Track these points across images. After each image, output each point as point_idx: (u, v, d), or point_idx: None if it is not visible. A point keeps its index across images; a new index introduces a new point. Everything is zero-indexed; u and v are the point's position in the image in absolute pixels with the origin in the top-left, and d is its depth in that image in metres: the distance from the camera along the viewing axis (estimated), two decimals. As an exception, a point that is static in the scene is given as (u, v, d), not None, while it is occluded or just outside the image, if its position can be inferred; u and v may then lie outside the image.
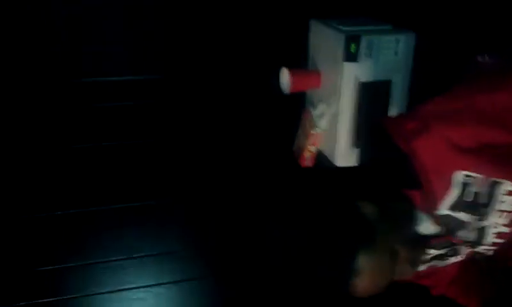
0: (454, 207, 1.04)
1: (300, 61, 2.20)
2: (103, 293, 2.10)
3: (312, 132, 2.18)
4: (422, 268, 1.18)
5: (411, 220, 1.07)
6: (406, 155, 1.04)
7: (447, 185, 1.02)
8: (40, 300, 2.03)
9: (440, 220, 1.08)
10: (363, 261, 0.96)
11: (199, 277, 2.23)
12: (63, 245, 2.10)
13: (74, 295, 2.06)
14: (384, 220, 1.00)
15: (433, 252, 1.15)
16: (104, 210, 2.16)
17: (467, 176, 1.00)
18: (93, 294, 2.08)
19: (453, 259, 1.19)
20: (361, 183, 1.12)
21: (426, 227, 1.12)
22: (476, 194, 1.02)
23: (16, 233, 2.07)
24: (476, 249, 1.13)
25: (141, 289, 2.13)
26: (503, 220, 1.05)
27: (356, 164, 1.50)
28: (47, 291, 2.04)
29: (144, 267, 2.15)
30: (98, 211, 2.15)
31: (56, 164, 2.08)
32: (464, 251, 1.18)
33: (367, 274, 0.97)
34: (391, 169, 1.12)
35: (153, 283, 2.18)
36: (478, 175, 1.00)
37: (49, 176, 2.08)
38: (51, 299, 2.04)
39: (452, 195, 1.03)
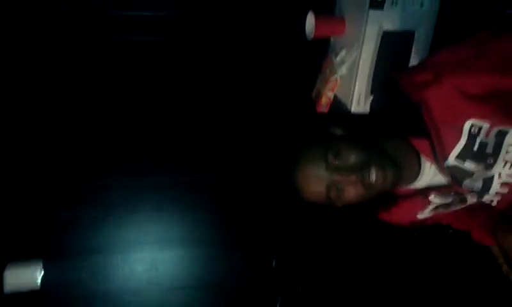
0: (461, 156, 1.08)
1: (327, 7, 2.20)
2: (121, 215, 2.18)
3: (331, 78, 2.20)
4: (427, 214, 1.23)
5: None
6: (417, 105, 1.07)
7: (456, 135, 1.06)
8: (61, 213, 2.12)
9: (446, 169, 1.11)
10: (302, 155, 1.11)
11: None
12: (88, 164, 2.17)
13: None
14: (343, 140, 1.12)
15: (438, 201, 1.20)
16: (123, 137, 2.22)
17: (476, 125, 1.04)
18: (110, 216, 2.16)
19: (459, 207, 1.23)
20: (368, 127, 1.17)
21: (434, 176, 1.17)
22: (483, 143, 1.06)
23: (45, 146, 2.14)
24: (482, 199, 1.16)
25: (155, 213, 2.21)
26: (509, 170, 1.08)
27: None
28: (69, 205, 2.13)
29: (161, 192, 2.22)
30: (117, 137, 2.22)
31: (80, 93, 2.15)
32: (471, 201, 1.22)
33: (302, 167, 1.10)
34: (401, 118, 1.16)
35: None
36: (486, 124, 1.04)
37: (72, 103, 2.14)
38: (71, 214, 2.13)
39: (460, 144, 1.07)
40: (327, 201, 1.12)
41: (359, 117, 1.25)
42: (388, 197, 1.22)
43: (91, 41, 2.19)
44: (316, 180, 1.09)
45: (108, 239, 2.16)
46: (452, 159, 1.09)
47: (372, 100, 1.71)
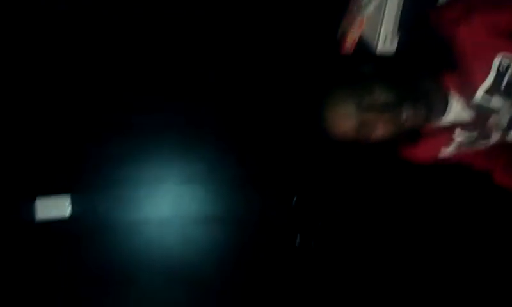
0: (489, 92, 1.11)
1: None
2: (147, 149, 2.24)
3: (357, 17, 2.18)
4: (451, 151, 1.25)
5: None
6: (447, 40, 1.08)
7: (485, 70, 1.08)
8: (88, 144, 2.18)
9: (473, 105, 1.13)
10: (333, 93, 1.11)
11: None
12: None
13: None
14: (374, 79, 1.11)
15: (463, 138, 1.22)
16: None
17: (505, 61, 1.05)
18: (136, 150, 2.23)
19: (483, 144, 1.25)
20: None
21: (460, 112, 1.18)
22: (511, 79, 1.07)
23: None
24: (506, 137, 1.18)
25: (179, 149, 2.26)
26: None
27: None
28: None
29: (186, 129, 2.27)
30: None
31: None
32: (494, 139, 1.24)
33: (333, 105, 1.11)
34: (430, 54, 1.17)
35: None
36: None
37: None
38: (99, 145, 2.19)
39: (489, 80, 1.09)
40: (356, 139, 1.13)
41: (386, 55, 1.24)
42: (412, 133, 1.24)
43: None
44: (347, 118, 1.10)
45: (134, 172, 2.22)
46: (479, 95, 1.11)
47: (398, 40, 1.70)
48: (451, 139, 1.22)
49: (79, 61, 2.15)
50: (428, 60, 1.18)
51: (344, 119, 1.10)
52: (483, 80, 1.09)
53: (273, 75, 2.26)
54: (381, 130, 1.10)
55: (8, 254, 2.11)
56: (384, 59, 1.24)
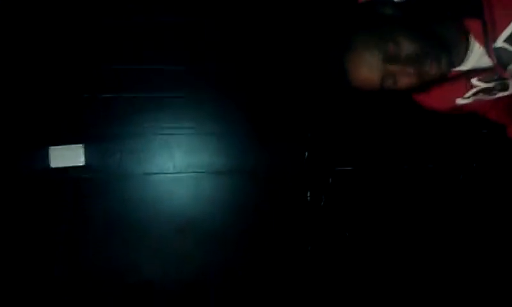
0: (509, 40, 1.10)
1: None
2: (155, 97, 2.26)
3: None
4: (468, 99, 1.25)
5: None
6: None
7: (509, 16, 1.07)
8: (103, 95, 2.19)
9: (494, 51, 1.13)
10: (357, 41, 1.10)
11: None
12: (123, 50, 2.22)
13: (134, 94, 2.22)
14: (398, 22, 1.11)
15: (481, 85, 1.22)
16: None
17: None
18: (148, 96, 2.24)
19: (500, 94, 1.24)
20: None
21: (480, 59, 1.18)
22: None
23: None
24: None
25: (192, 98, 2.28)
26: None
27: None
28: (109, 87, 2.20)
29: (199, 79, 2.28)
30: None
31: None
32: None
33: (357, 54, 1.10)
34: None
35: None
36: None
37: None
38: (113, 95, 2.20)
39: (511, 27, 1.08)
40: (379, 89, 1.13)
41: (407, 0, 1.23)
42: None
43: None
44: (371, 69, 1.10)
45: (148, 122, 2.24)
46: (501, 41, 1.11)
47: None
48: (469, 86, 1.22)
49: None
50: (450, 4, 1.17)
51: (368, 70, 1.10)
52: (506, 26, 1.09)
53: (293, 20, 2.24)
54: (404, 81, 1.10)
55: (23, 201, 2.15)
56: (406, 3, 1.22)
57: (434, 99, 1.28)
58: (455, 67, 1.21)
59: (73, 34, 2.18)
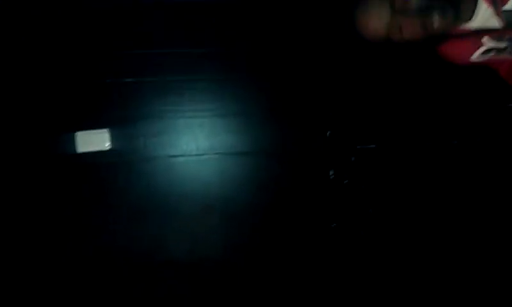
0: None
1: None
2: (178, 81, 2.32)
3: None
4: (481, 56, 1.28)
5: None
6: None
7: None
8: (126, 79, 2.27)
9: (502, 13, 1.15)
10: None
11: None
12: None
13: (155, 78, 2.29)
14: None
15: (491, 44, 1.24)
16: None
17: None
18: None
19: (509, 55, 1.26)
20: None
21: (488, 19, 1.20)
22: None
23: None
24: None
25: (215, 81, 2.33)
26: None
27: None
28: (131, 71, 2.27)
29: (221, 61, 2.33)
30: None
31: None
32: None
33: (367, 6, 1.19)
34: None
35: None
36: None
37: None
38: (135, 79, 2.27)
39: None
40: (386, 39, 1.21)
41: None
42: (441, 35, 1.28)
43: None
44: (379, 18, 1.18)
45: (170, 105, 2.31)
46: (510, 3, 1.12)
47: None
48: (480, 44, 1.25)
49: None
50: None
51: (377, 18, 1.18)
52: None
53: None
54: (410, 32, 1.17)
55: (52, 186, 2.24)
56: None
57: (452, 51, 1.32)
58: (463, 24, 1.24)
59: (95, 19, 2.25)
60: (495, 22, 1.21)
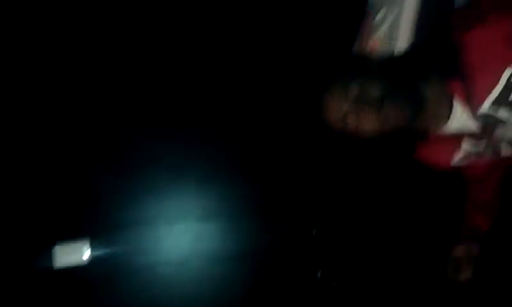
0: (496, 103, 1.09)
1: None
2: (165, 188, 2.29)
3: (369, 40, 2.18)
4: (461, 160, 1.25)
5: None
6: (457, 48, 1.09)
7: (493, 81, 1.08)
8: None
9: (479, 115, 1.12)
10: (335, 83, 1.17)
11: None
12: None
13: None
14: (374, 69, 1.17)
15: (470, 148, 1.20)
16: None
17: None
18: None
19: (494, 157, 1.23)
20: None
21: (466, 122, 1.17)
22: None
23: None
24: None
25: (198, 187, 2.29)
26: None
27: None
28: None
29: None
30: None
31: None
32: (505, 153, 1.22)
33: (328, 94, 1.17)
34: (439, 59, 1.18)
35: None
36: None
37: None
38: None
39: (496, 91, 1.09)
40: (345, 129, 1.17)
41: (394, 56, 1.26)
42: (421, 139, 1.27)
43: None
44: (335, 107, 1.16)
45: (153, 212, 2.25)
46: (486, 105, 1.11)
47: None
48: (458, 148, 1.21)
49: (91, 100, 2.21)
50: (436, 64, 1.18)
51: (333, 107, 1.17)
52: (490, 91, 1.09)
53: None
54: (366, 123, 1.14)
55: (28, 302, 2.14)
56: (390, 59, 1.24)
57: (431, 158, 1.29)
58: (439, 126, 1.21)
59: (76, 127, 2.20)
60: (472, 125, 1.17)
